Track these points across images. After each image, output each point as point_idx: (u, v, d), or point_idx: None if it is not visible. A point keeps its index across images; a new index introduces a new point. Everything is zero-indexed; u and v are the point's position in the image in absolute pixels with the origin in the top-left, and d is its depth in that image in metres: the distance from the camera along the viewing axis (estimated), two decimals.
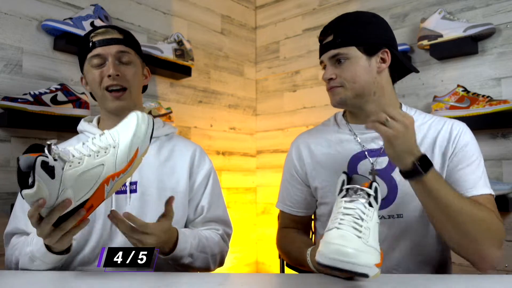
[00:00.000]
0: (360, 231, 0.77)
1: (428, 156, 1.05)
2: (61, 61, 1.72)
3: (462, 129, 1.10)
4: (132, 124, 0.83)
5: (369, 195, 0.83)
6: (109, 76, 1.09)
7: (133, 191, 1.09)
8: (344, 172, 0.90)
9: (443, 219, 0.94)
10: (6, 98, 1.47)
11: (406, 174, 0.92)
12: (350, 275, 0.76)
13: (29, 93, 1.53)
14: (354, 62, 1.07)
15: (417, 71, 1.19)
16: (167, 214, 0.97)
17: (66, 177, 0.77)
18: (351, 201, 0.82)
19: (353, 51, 1.07)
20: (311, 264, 0.97)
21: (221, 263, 1.18)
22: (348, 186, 0.85)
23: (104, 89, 1.11)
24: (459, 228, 0.93)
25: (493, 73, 1.77)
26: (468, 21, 1.80)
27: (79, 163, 0.79)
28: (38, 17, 1.66)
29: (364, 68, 1.07)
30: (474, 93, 1.72)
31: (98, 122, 1.21)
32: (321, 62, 1.14)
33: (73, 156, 0.79)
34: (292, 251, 1.13)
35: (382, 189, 1.08)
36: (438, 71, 1.91)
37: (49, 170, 0.75)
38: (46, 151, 0.76)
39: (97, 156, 0.80)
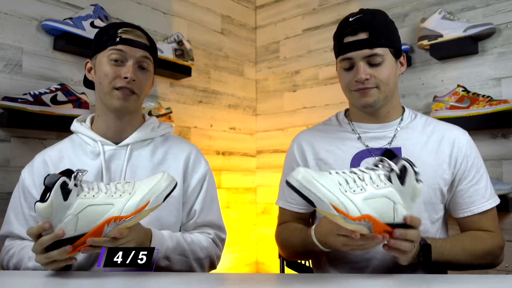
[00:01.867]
0: (347, 184, 0.76)
1: (434, 155, 1.10)
2: (61, 61, 1.72)
3: (467, 140, 1.14)
4: (155, 180, 0.89)
5: (392, 170, 0.80)
6: (125, 78, 1.07)
7: None
8: (388, 150, 0.87)
9: (457, 266, 1.05)
10: (6, 98, 1.47)
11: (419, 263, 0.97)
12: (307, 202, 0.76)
13: (29, 93, 1.53)
14: (388, 64, 1.06)
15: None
16: None
17: (76, 204, 0.84)
18: (368, 168, 0.81)
19: (387, 53, 1.06)
20: (315, 238, 0.96)
21: (212, 267, 1.15)
22: (379, 158, 0.83)
23: (114, 87, 1.08)
24: (470, 267, 1.06)
25: (493, 73, 1.77)
26: (468, 21, 1.80)
27: (93, 196, 0.86)
28: (38, 17, 1.66)
29: (394, 70, 1.08)
30: (474, 93, 1.72)
31: (92, 122, 1.18)
32: (346, 59, 1.07)
33: (93, 189, 0.87)
34: (295, 238, 1.11)
35: None
36: (438, 71, 1.92)
37: (65, 192, 0.84)
38: (73, 176, 0.86)
39: (112, 196, 0.86)
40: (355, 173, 0.80)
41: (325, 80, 2.33)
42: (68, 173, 0.87)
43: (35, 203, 0.84)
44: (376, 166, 0.83)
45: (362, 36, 1.04)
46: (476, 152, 1.14)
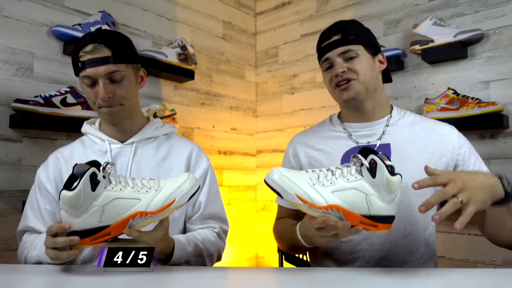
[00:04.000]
0: (318, 179, 0.83)
1: (423, 150, 1.13)
2: (70, 65, 1.71)
3: (457, 133, 1.17)
4: (181, 179, 0.90)
5: (362, 164, 0.84)
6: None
7: None
8: (365, 147, 0.90)
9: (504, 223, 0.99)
10: (18, 100, 1.51)
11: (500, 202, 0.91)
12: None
13: (40, 96, 1.57)
14: (363, 58, 1.14)
15: (391, 81, 1.30)
16: (162, 223, 0.94)
17: (103, 196, 0.84)
18: (344, 165, 0.87)
19: (361, 49, 1.14)
20: (299, 234, 1.00)
21: (218, 259, 1.20)
22: (353, 155, 0.87)
23: (98, 107, 1.11)
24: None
25: (481, 76, 1.82)
26: (458, 27, 1.84)
27: (120, 189, 0.86)
28: (48, 23, 1.71)
29: (370, 64, 1.15)
30: (463, 96, 1.76)
31: (100, 124, 1.23)
32: (325, 60, 1.16)
33: (120, 182, 0.87)
34: (286, 233, 1.15)
35: None
36: (430, 74, 1.96)
37: (94, 183, 0.83)
38: (101, 168, 0.84)
39: (139, 191, 0.86)
40: (330, 170, 0.85)
41: (322, 83, 2.36)
42: (95, 164, 0.85)
43: (60, 191, 0.82)
44: (351, 163, 0.89)
45: (336, 38, 1.15)
46: (468, 142, 1.18)
